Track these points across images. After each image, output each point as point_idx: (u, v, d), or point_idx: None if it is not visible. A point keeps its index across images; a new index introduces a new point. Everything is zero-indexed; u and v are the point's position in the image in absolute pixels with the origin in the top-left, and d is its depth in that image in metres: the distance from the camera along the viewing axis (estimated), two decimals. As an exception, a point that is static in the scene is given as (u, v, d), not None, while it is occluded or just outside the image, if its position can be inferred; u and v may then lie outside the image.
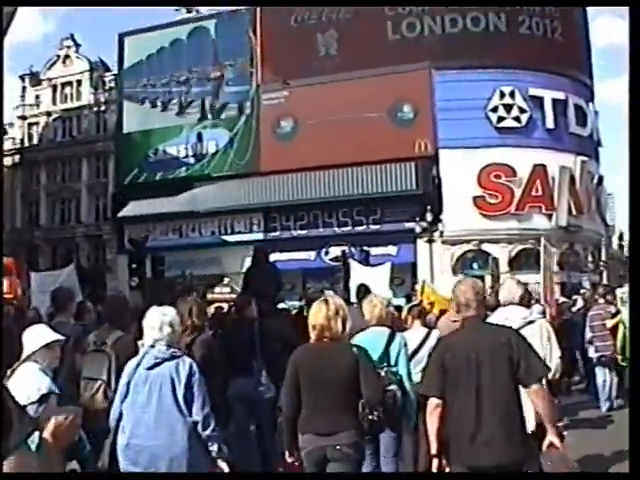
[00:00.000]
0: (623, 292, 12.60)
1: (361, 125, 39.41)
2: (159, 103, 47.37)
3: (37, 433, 3.10)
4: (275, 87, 43.38)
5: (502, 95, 39.77)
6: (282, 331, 9.30)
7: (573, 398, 13.80)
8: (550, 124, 40.52)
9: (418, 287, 17.84)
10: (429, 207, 37.50)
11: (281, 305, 14.95)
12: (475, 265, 39.29)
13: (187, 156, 45.77)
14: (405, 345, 7.08)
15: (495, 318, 6.75)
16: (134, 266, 23.43)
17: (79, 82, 56.42)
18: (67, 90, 56.90)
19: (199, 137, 45.58)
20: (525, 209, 39.26)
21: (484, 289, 5.85)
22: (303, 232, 42.38)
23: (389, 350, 6.84)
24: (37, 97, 57.70)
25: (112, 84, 54.22)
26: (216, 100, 45.92)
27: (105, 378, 6.40)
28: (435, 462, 5.04)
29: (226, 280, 35.47)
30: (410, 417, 7.01)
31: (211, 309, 14.96)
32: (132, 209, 44.86)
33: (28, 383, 5.19)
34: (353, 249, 31.41)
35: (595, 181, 43.55)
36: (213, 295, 30.60)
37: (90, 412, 4.55)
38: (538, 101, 40.43)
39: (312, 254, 41.57)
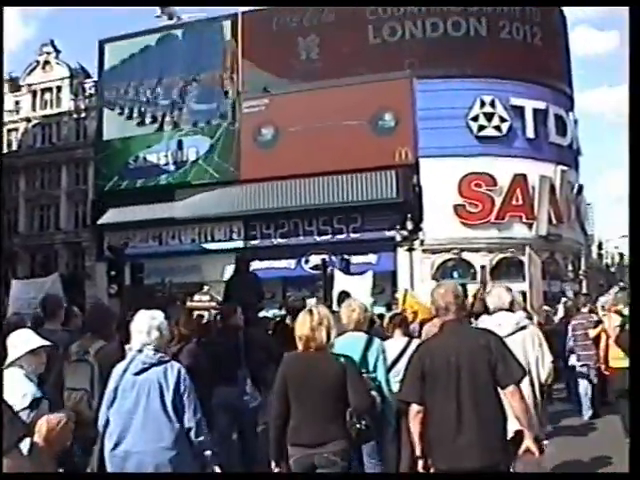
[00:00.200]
0: (605, 301, 12.63)
1: (342, 133, 39.41)
2: (133, 112, 47.24)
3: (28, 439, 3.05)
4: (255, 94, 43.33)
5: (483, 104, 39.91)
6: (265, 340, 9.27)
7: (554, 406, 13.80)
8: (530, 133, 40.75)
9: (399, 295, 17.85)
10: (409, 215, 37.64)
11: (262, 314, 14.92)
12: (455, 274, 39.30)
13: (167, 163, 45.53)
14: (383, 351, 7.09)
15: (487, 324, 6.78)
16: (113, 273, 23.21)
17: (59, 88, 56.12)
18: (47, 96, 56.58)
19: (179, 144, 45.38)
20: (505, 218, 39.39)
21: (463, 293, 5.89)
22: (283, 240, 42.28)
23: (367, 355, 6.84)
24: (16, 103, 57.25)
25: (92, 91, 54.00)
26: (182, 113, 45.96)
27: (88, 388, 6.33)
28: (420, 463, 5.15)
29: (206, 288, 35.40)
30: (390, 423, 7.06)
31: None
32: (112, 216, 44.61)
33: (12, 388, 5.09)
34: (333, 257, 31.35)
35: (575, 190, 43.80)
36: (192, 303, 30.51)
37: (75, 422, 4.48)
38: (519, 110, 40.62)
39: (292, 262, 41.46)
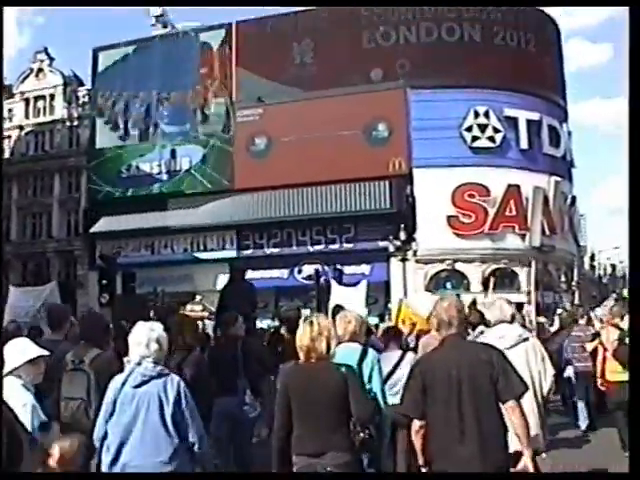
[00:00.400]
0: (602, 314, 12.61)
1: (335, 143, 39.40)
2: (118, 122, 47.26)
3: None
4: (249, 104, 43.30)
5: (476, 115, 39.95)
6: (261, 351, 9.22)
7: (551, 418, 13.74)
8: (524, 144, 40.81)
9: (393, 306, 17.84)
10: (403, 226, 37.56)
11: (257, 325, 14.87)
12: (449, 284, 39.29)
13: (160, 172, 45.41)
14: (378, 362, 7.02)
15: (490, 336, 6.77)
16: (105, 282, 23.17)
17: (52, 96, 56.07)
18: (40, 104, 56.52)
19: (173, 153, 45.31)
20: (499, 229, 39.38)
21: (464, 307, 5.89)
22: (276, 250, 42.23)
23: (362, 367, 6.75)
24: (9, 110, 57.18)
25: (85, 99, 53.95)
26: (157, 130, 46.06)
27: (85, 397, 6.27)
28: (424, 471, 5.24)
29: (198, 297, 35.16)
30: (385, 434, 7.03)
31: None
32: (104, 225, 44.49)
33: (10, 398, 5.00)
34: (326, 267, 31.30)
35: (568, 201, 43.84)
36: (185, 312, 30.35)
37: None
38: (512, 121, 40.67)
39: (285, 272, 41.36)
